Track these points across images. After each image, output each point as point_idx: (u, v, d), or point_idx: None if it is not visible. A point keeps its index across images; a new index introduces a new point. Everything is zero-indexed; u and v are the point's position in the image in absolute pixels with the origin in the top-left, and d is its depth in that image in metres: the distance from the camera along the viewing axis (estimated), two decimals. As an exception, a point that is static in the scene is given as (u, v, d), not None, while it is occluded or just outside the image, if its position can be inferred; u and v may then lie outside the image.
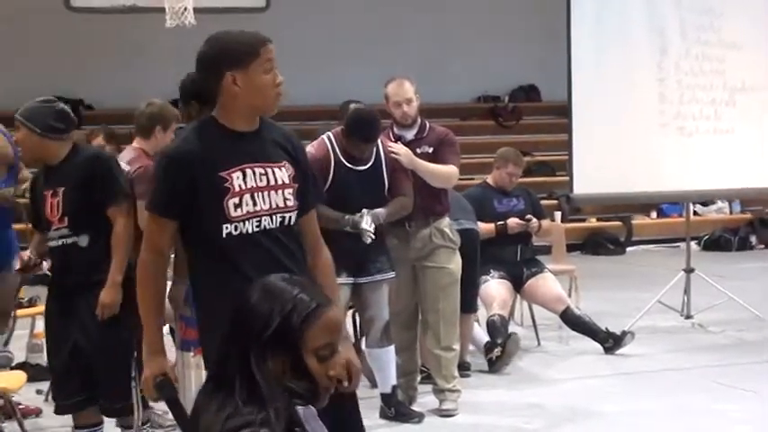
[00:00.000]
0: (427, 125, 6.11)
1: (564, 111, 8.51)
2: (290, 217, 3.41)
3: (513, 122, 16.48)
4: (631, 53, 8.22)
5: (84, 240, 4.70)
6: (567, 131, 8.24)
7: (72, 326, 4.69)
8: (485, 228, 7.25)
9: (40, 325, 6.39)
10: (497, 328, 7.07)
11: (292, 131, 3.57)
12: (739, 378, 6.60)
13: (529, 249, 7.64)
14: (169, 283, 3.94)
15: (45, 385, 6.21)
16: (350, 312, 6.30)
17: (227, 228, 3.31)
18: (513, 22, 16.18)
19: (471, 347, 7.07)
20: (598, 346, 7.38)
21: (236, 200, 3.31)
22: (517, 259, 7.52)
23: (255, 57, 3.31)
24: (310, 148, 5.41)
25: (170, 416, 5.10)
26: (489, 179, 7.71)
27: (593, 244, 13.94)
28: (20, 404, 5.71)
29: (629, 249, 14.11)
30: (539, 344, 7.69)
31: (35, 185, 4.92)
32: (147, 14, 12.84)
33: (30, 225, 5.13)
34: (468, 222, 6.70)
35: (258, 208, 3.34)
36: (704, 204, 14.55)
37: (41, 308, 5.76)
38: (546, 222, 7.85)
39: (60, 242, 4.72)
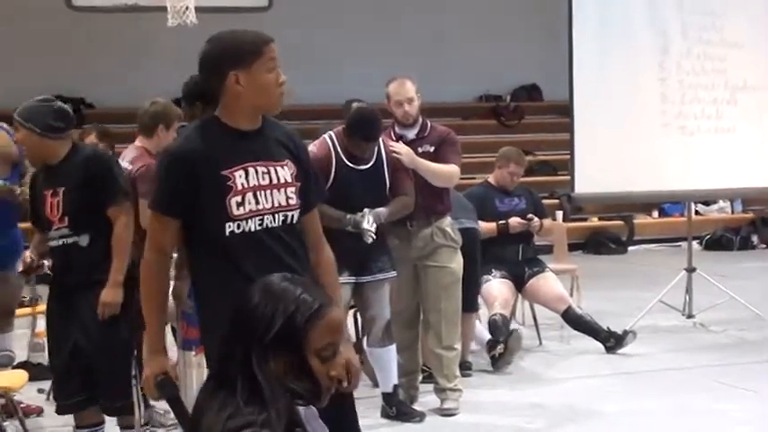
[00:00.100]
0: (429, 124, 6.11)
1: (566, 110, 8.51)
2: (293, 215, 3.41)
3: (515, 122, 16.48)
4: (633, 55, 8.21)
5: (84, 240, 4.70)
6: (569, 132, 8.24)
7: (72, 325, 4.70)
8: (486, 227, 7.25)
9: (42, 324, 6.39)
10: (499, 328, 7.07)
11: (294, 130, 3.58)
12: (740, 378, 6.60)
13: (530, 249, 7.64)
14: (171, 283, 3.94)
15: (46, 384, 6.21)
16: (351, 312, 6.30)
17: (229, 226, 3.31)
18: (515, 21, 16.18)
19: (473, 346, 7.07)
20: (599, 345, 7.38)
21: (239, 198, 3.31)
22: (519, 259, 7.52)
23: (258, 56, 3.32)
24: (312, 148, 5.42)
25: (171, 415, 5.11)
26: (491, 178, 7.71)
27: (595, 243, 13.94)
28: (21, 403, 5.71)
29: (630, 249, 14.11)
30: (540, 343, 7.69)
31: (34, 184, 4.91)
32: (148, 13, 12.86)
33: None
34: (468, 221, 6.70)
35: (261, 206, 3.34)
36: (706, 204, 14.54)
37: (43, 307, 5.76)
38: (547, 222, 7.86)
39: (61, 242, 4.72)
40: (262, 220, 3.34)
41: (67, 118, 4.82)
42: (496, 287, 7.35)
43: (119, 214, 4.71)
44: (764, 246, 14.10)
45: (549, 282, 7.53)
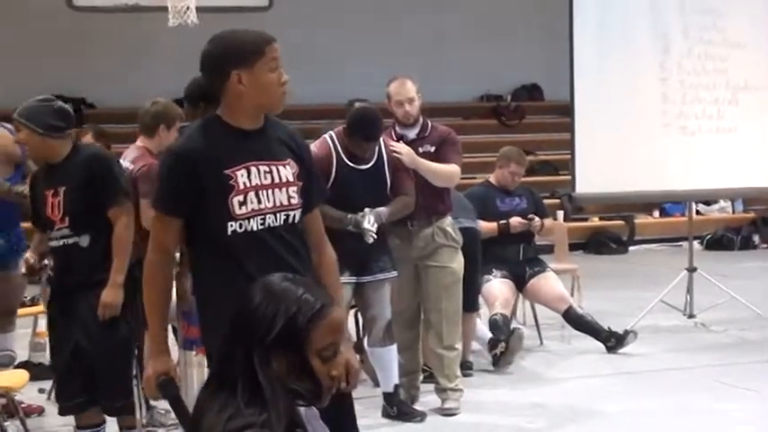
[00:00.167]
0: (429, 124, 6.11)
1: (566, 110, 8.51)
2: (295, 215, 3.41)
3: (516, 121, 16.47)
4: (634, 55, 8.21)
5: (84, 241, 4.70)
6: (570, 133, 8.24)
7: (73, 326, 4.70)
8: (487, 227, 7.25)
9: (43, 324, 6.39)
10: (500, 328, 7.07)
11: (296, 130, 3.58)
12: (741, 377, 6.60)
13: (531, 248, 7.64)
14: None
15: (47, 384, 6.22)
16: (352, 312, 6.30)
17: (231, 225, 3.31)
18: (516, 21, 16.17)
19: (474, 346, 7.07)
20: (600, 345, 7.38)
21: (241, 197, 3.31)
22: (520, 258, 7.52)
23: (261, 56, 3.32)
24: (313, 147, 5.41)
25: (172, 415, 5.11)
26: (492, 178, 7.71)
27: (596, 243, 13.93)
28: (22, 403, 5.71)
29: (631, 248, 14.10)
30: (541, 343, 7.69)
31: (34, 184, 4.91)
32: (149, 13, 12.87)
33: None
34: (468, 221, 6.70)
35: (263, 206, 3.34)
36: (707, 203, 14.53)
37: (43, 306, 5.77)
38: (548, 221, 7.86)
39: (62, 242, 4.72)
40: (264, 219, 3.34)
41: (68, 117, 4.83)
42: (497, 287, 7.35)
43: (119, 214, 4.71)
44: (765, 245, 14.08)
45: (549, 281, 7.52)
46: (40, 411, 6.09)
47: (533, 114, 16.49)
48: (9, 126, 5.87)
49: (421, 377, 6.26)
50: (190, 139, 3.43)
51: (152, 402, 5.70)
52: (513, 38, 16.14)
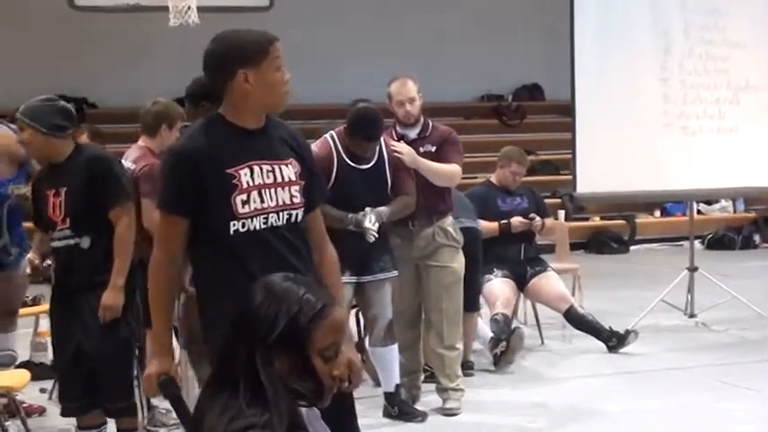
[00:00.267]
0: (430, 124, 6.11)
1: (567, 110, 8.52)
2: (297, 214, 3.42)
3: (517, 121, 16.47)
4: (635, 55, 8.21)
5: (86, 242, 4.69)
6: (571, 132, 8.24)
7: (75, 327, 4.69)
8: (488, 226, 7.25)
9: (44, 324, 6.40)
10: (501, 327, 7.07)
11: (297, 129, 3.58)
12: (742, 377, 6.60)
13: (532, 248, 7.64)
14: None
15: (49, 384, 6.22)
16: (353, 311, 6.30)
17: (234, 224, 3.32)
18: (516, 20, 16.17)
19: (475, 346, 7.07)
20: (601, 344, 7.38)
21: (244, 197, 3.32)
22: (521, 258, 7.52)
23: (266, 55, 3.33)
24: (314, 147, 5.40)
25: (173, 415, 5.11)
26: (493, 178, 7.71)
27: (597, 243, 13.93)
28: (23, 403, 5.71)
29: (632, 248, 14.10)
30: (542, 343, 7.69)
31: (36, 184, 4.91)
32: (150, 13, 12.87)
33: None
34: (468, 221, 6.69)
35: (265, 205, 3.34)
36: (708, 203, 14.53)
37: (45, 306, 5.76)
38: (549, 221, 7.86)
39: (63, 243, 4.71)
40: (266, 218, 3.35)
41: (71, 117, 4.83)
42: (498, 287, 7.35)
43: (121, 215, 4.70)
44: (766, 245, 14.09)
45: (550, 281, 7.52)
46: (42, 411, 6.09)
47: (534, 114, 16.49)
48: (13, 126, 5.87)
49: (422, 377, 6.26)
50: (192, 138, 3.43)
51: (153, 402, 5.70)
52: (513, 38, 16.14)
